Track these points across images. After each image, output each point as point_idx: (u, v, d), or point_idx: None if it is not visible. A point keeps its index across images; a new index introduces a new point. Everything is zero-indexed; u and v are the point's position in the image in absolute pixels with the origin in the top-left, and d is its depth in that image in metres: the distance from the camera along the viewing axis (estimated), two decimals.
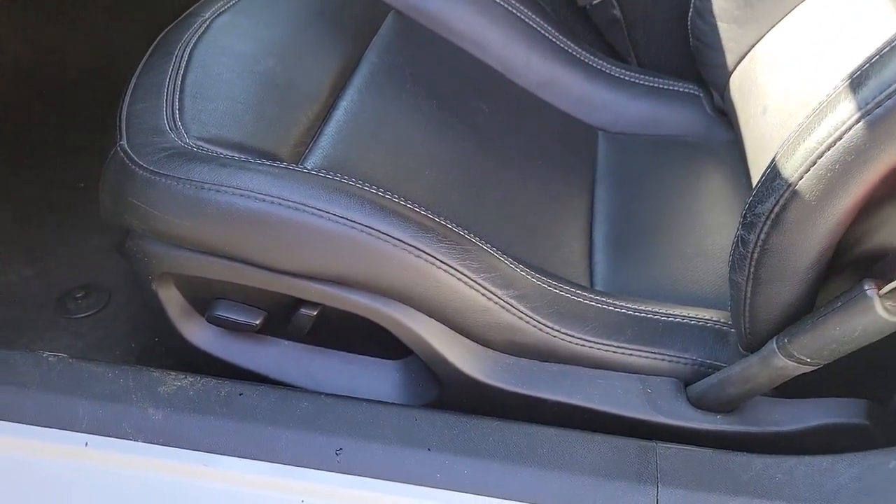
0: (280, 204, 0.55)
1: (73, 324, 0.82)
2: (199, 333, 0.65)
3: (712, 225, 0.78)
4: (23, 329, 0.82)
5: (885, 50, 0.42)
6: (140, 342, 0.80)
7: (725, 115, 0.90)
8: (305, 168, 0.61)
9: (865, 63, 0.43)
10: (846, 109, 0.43)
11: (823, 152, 0.44)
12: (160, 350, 0.79)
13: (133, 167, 0.58)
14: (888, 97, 0.41)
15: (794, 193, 0.46)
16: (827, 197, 0.45)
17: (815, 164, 0.44)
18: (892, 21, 0.66)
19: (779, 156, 0.48)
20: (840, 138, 0.43)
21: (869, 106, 0.41)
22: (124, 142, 0.60)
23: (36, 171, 0.99)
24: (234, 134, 0.63)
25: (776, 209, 0.47)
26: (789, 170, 0.46)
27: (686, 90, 0.94)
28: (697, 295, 0.69)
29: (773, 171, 0.48)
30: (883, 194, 0.45)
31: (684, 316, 0.64)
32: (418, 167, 0.71)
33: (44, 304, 0.84)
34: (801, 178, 0.45)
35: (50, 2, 1.03)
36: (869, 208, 0.45)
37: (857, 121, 0.42)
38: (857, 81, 0.43)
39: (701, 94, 0.93)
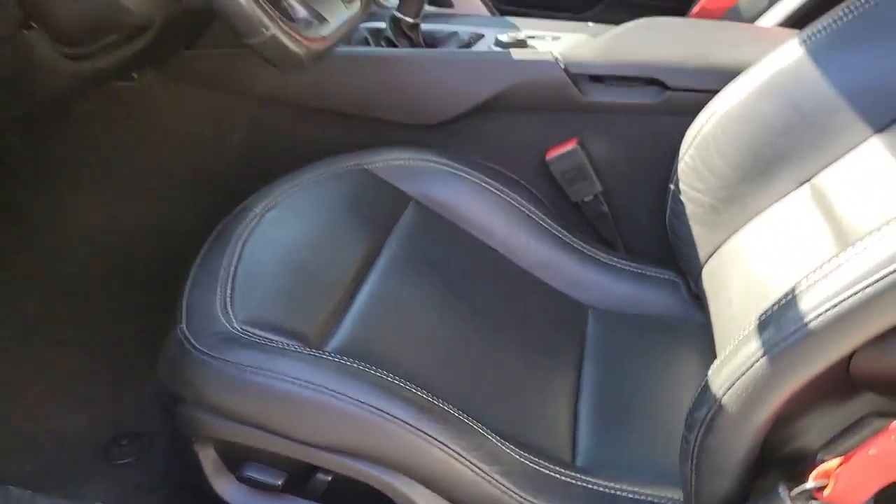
0: (306, 387, 0.67)
1: (115, 469, 0.93)
2: (228, 489, 0.75)
3: (685, 406, 0.88)
4: (68, 472, 0.92)
5: (783, 301, 0.54)
6: (172, 490, 0.90)
7: (700, 301, 1.03)
8: (328, 352, 0.73)
9: (770, 308, 0.55)
10: (755, 345, 0.54)
11: (740, 376, 0.55)
12: (189, 499, 0.88)
13: (190, 348, 0.71)
14: (784, 339, 0.52)
15: (721, 406, 0.56)
16: (745, 411, 0.55)
17: (733, 384, 0.55)
18: (828, 243, 0.79)
19: (710, 373, 0.59)
20: (751, 367, 0.54)
21: (770, 345, 0.53)
22: (183, 325, 0.73)
23: (96, 325, 1.13)
24: (272, 317, 0.77)
25: (708, 416, 0.58)
26: (716, 386, 0.57)
27: (665, 277, 1.06)
28: (667, 472, 0.77)
29: (706, 385, 0.59)
30: (790, 412, 0.56)
31: (651, 495, 0.73)
32: (423, 347, 0.83)
33: (90, 449, 0.95)
34: (725, 394, 0.56)
35: (123, 178, 1.22)
36: (780, 422, 0.56)
37: (763, 355, 0.53)
38: (764, 323, 0.55)
39: (679, 281, 1.06)
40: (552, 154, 1.07)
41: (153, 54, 0.95)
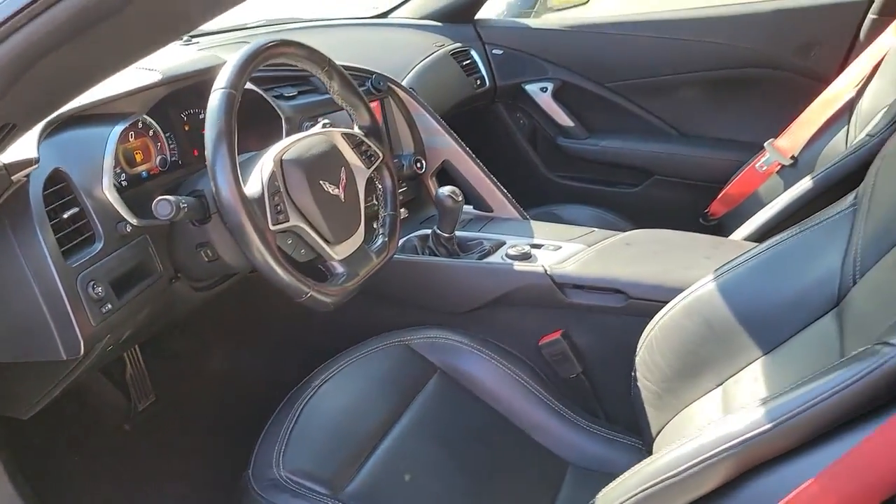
0: None
1: None
2: None
3: None
4: None
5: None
6: None
7: None
8: (343, 498, 1.08)
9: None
10: None
11: None
12: None
13: (251, 489, 1.09)
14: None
15: None
16: None
17: None
18: None
19: None
20: None
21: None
22: (251, 471, 1.12)
23: (207, 448, 1.57)
24: (307, 467, 1.13)
25: None
26: None
27: (632, 443, 1.32)
28: None
29: None
30: None
31: None
32: (420, 496, 1.16)
33: None
34: None
35: (244, 336, 1.68)
36: None
37: None
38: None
39: (643, 448, 1.31)
40: (543, 341, 1.39)
41: None
